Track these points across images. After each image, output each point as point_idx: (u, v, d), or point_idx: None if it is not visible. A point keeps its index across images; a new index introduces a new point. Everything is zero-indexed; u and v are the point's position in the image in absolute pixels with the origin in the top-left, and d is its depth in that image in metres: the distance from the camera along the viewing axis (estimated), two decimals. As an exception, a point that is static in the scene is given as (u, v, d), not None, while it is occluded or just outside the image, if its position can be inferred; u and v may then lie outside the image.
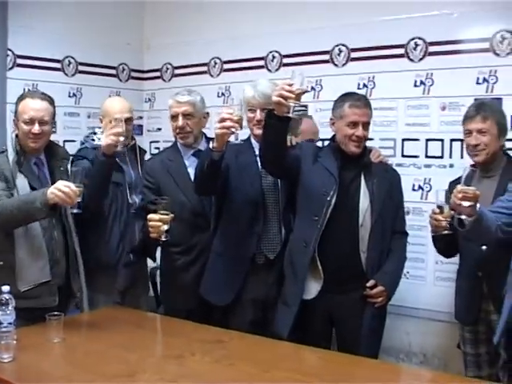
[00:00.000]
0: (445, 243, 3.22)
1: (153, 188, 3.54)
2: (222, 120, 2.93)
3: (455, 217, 2.85)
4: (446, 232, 2.98)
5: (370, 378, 2.46)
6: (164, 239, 3.17)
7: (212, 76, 5.01)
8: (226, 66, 4.93)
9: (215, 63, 4.98)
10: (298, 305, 3.08)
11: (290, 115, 2.84)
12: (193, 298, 3.47)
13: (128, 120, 3.56)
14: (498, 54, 3.91)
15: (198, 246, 3.52)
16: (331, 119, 3.24)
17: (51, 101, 3.24)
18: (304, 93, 2.87)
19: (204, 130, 3.70)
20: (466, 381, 2.73)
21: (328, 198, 3.08)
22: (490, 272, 3.10)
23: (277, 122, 2.87)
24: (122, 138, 3.18)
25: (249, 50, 4.72)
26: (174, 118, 3.53)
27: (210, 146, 3.04)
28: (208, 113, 3.65)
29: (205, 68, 5.03)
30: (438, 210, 2.95)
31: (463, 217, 2.76)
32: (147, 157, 4.05)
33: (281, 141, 2.98)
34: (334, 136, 3.29)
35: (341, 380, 2.38)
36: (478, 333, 3.22)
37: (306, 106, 4.35)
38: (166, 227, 3.15)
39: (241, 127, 2.97)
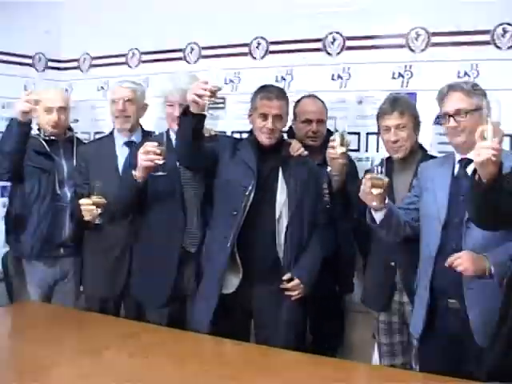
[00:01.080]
0: None
1: (83, 172, 3.60)
2: (147, 152, 3.04)
3: (367, 212, 2.89)
4: None
5: (286, 369, 2.48)
6: (98, 222, 3.27)
7: (130, 67, 4.93)
8: (144, 58, 4.87)
9: (133, 54, 4.90)
10: (216, 300, 3.07)
11: (205, 113, 2.89)
12: (111, 285, 3.55)
13: (61, 109, 3.64)
14: (413, 50, 3.99)
15: (116, 232, 3.57)
16: (249, 111, 3.26)
17: None
18: (219, 90, 2.89)
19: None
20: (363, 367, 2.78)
21: (247, 193, 3.08)
22: (404, 263, 3.15)
23: (192, 119, 2.89)
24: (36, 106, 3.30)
25: (167, 42, 4.68)
26: (115, 102, 3.62)
27: (133, 173, 3.12)
28: (147, 104, 3.71)
29: (123, 59, 4.95)
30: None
31: (374, 204, 2.79)
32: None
33: (196, 137, 2.98)
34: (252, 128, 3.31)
35: (257, 371, 2.40)
36: (392, 323, 3.27)
37: (223, 101, 4.39)
38: (99, 210, 3.23)
39: (164, 158, 3.05)
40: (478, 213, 2.47)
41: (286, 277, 3.12)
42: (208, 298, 3.11)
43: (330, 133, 3.49)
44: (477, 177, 2.31)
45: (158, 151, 3.03)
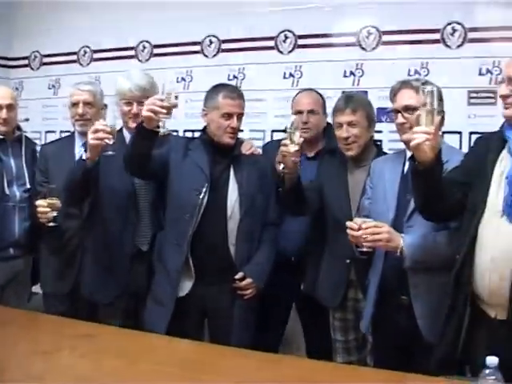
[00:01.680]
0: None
1: (43, 171, 3.53)
2: (96, 131, 2.93)
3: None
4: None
5: (239, 367, 2.42)
6: (52, 224, 3.18)
7: (82, 65, 4.89)
8: (96, 56, 4.82)
9: (85, 52, 4.86)
10: (173, 305, 3.03)
11: (161, 131, 2.83)
12: (65, 283, 3.49)
13: (9, 107, 3.54)
14: (364, 49, 4.05)
15: (70, 230, 3.49)
16: (203, 110, 3.19)
17: None
18: (175, 107, 2.85)
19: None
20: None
21: (200, 197, 3.04)
22: (359, 259, 3.04)
23: (146, 135, 2.85)
24: None
25: (119, 40, 4.66)
26: (74, 105, 3.51)
27: (83, 156, 3.02)
28: (106, 105, 3.60)
29: (74, 57, 4.90)
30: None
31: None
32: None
33: (147, 153, 2.95)
34: (205, 128, 3.24)
35: (211, 371, 2.34)
36: (347, 320, 3.25)
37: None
38: (54, 213, 3.17)
39: (114, 138, 2.95)
40: (421, 201, 2.48)
41: (238, 276, 3.08)
42: (164, 302, 3.06)
43: (329, 125, 3.49)
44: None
45: (108, 129, 2.93)
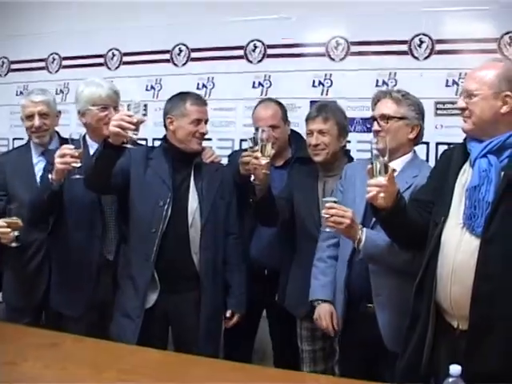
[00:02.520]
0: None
1: (1, 184, 3.46)
2: (63, 155, 2.90)
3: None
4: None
5: (205, 376, 2.43)
6: (14, 245, 3.06)
7: (50, 72, 4.84)
8: (65, 63, 4.78)
9: (54, 59, 4.80)
10: (141, 319, 3.01)
11: (128, 146, 2.79)
12: (31, 296, 3.45)
13: None
14: (333, 59, 4.06)
15: (35, 243, 3.45)
16: (169, 118, 3.16)
17: None
18: (142, 122, 2.82)
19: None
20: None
21: (164, 210, 3.04)
22: None
23: (112, 151, 2.81)
24: None
25: (88, 47, 4.61)
26: (29, 117, 3.48)
27: (49, 177, 3.00)
28: (60, 112, 3.59)
29: (43, 64, 4.84)
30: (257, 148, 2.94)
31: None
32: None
33: (111, 169, 2.91)
34: (165, 136, 3.24)
35: (176, 379, 2.35)
36: (315, 330, 3.22)
37: (144, 108, 4.35)
38: (16, 233, 3.04)
39: (81, 161, 2.91)
40: (394, 239, 2.59)
41: (228, 314, 3.19)
42: (131, 315, 3.04)
43: (294, 133, 3.56)
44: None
45: (76, 154, 2.90)
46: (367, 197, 2.40)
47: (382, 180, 2.37)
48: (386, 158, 2.41)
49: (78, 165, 2.90)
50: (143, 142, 4.14)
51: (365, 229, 2.68)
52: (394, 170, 2.45)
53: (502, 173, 2.21)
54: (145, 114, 4.35)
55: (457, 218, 2.28)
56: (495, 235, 2.16)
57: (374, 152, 2.48)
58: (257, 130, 3.03)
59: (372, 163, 2.42)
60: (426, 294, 2.34)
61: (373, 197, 2.38)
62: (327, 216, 2.61)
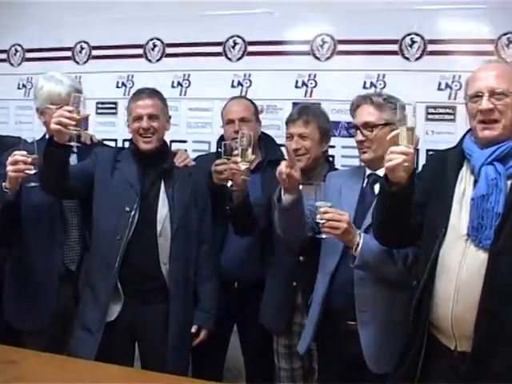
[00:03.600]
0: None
1: None
2: (15, 162, 2.77)
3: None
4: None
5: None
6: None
7: (12, 65, 4.64)
8: (28, 55, 4.58)
9: (16, 51, 4.60)
10: (102, 332, 2.94)
11: (72, 144, 2.74)
12: None
13: None
14: (318, 58, 3.94)
15: None
16: (127, 121, 3.17)
17: None
18: (87, 118, 2.82)
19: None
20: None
21: (131, 215, 2.96)
22: (305, 283, 3.04)
23: (57, 150, 2.72)
24: None
25: (55, 39, 4.42)
26: None
27: (3, 185, 2.86)
28: None
29: (4, 55, 4.64)
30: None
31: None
32: None
33: (61, 169, 2.81)
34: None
35: None
36: (293, 347, 3.13)
37: (115, 106, 4.33)
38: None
39: (35, 168, 2.79)
40: (384, 224, 2.38)
41: (193, 330, 3.07)
42: (92, 329, 2.96)
43: (264, 135, 3.51)
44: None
45: (29, 160, 2.76)
46: (389, 164, 2.15)
47: (408, 148, 2.14)
48: (413, 125, 2.16)
49: (33, 171, 2.78)
50: (112, 144, 4.03)
51: (362, 233, 2.59)
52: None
53: (509, 182, 2.14)
54: (115, 113, 4.32)
55: (457, 229, 2.19)
56: (505, 248, 2.08)
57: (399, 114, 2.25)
58: (223, 138, 3.13)
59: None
60: (423, 312, 2.24)
61: (396, 165, 2.13)
62: (322, 221, 2.52)
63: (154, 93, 3.10)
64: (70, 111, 2.63)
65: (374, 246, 2.54)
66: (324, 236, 2.58)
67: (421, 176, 2.40)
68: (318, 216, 2.54)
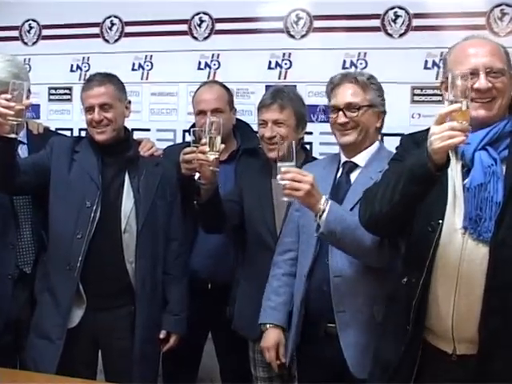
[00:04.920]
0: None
1: None
2: None
3: None
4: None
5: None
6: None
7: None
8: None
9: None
10: (63, 338, 2.85)
11: (13, 136, 2.59)
12: None
13: None
14: (292, 36, 3.79)
15: None
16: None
17: None
18: (27, 107, 2.66)
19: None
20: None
21: (92, 211, 2.89)
22: None
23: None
24: None
25: (1, 18, 4.23)
26: None
27: None
28: None
29: None
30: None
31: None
32: None
33: (8, 163, 2.71)
34: None
35: None
36: None
37: (69, 92, 4.15)
38: None
39: None
40: (394, 211, 2.13)
41: (162, 335, 3.01)
42: (52, 337, 2.86)
43: (240, 122, 3.43)
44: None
45: None
46: (446, 143, 1.87)
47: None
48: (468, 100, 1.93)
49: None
50: (68, 133, 3.86)
51: (330, 200, 2.48)
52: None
53: (504, 167, 2.05)
54: (69, 100, 4.14)
55: (451, 222, 2.08)
56: (506, 238, 2.00)
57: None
58: (194, 125, 3.00)
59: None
60: (421, 315, 2.15)
61: (454, 144, 1.90)
62: (284, 183, 2.43)
63: (105, 78, 2.98)
64: (7, 100, 2.49)
65: (344, 215, 2.47)
66: (285, 199, 2.48)
67: (399, 157, 2.27)
68: (279, 176, 2.44)
